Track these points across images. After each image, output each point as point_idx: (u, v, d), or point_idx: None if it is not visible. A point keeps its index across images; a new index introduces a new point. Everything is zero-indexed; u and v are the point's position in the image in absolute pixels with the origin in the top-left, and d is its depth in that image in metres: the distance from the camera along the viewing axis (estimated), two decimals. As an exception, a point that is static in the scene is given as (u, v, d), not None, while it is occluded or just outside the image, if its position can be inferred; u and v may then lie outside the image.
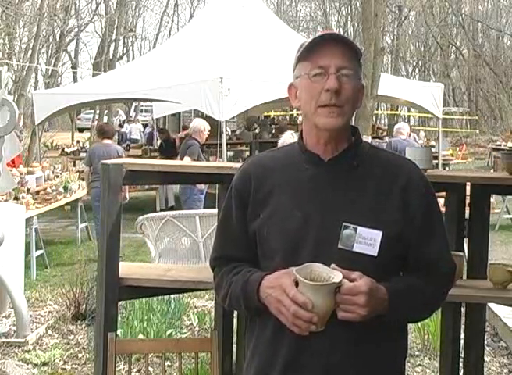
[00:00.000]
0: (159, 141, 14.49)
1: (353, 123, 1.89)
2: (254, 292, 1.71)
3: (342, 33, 40.26)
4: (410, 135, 14.90)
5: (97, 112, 28.07)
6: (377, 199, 1.74)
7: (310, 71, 1.74)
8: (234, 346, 3.25)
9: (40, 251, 7.52)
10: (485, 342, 4.05)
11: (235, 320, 3.27)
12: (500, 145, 18.56)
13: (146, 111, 31.04)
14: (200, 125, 8.50)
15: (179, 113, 21.21)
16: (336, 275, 1.62)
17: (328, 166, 1.77)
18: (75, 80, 32.26)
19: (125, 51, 39.11)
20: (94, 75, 24.77)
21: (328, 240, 1.71)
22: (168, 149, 13.27)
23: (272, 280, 1.68)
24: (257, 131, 15.72)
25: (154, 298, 5.17)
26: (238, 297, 1.76)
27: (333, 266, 1.65)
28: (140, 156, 12.93)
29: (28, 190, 7.80)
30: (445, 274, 1.84)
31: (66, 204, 8.76)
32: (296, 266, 1.68)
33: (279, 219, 1.75)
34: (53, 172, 9.21)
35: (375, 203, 1.74)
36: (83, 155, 15.15)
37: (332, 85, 1.70)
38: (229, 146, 11.74)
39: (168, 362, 4.29)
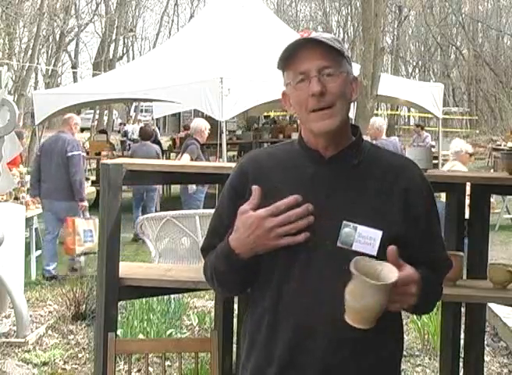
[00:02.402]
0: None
1: (352, 123, 1.89)
2: (230, 250, 1.71)
3: (342, 33, 40.42)
4: (420, 136, 14.93)
5: (97, 112, 28.08)
6: (378, 198, 1.74)
7: (293, 79, 1.73)
8: (234, 346, 3.25)
9: (40, 251, 7.51)
10: (485, 342, 4.05)
11: (235, 320, 3.26)
12: (500, 145, 18.55)
13: (146, 111, 31.05)
14: (201, 125, 8.50)
15: (179, 113, 21.19)
16: (386, 267, 1.60)
17: (328, 164, 1.77)
18: (75, 80, 32.25)
19: (125, 51, 39.12)
20: (94, 75, 24.78)
21: (327, 238, 1.70)
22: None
23: (236, 228, 1.70)
24: (257, 131, 15.75)
25: (154, 298, 5.17)
26: (222, 270, 1.76)
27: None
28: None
29: (28, 190, 7.79)
30: (444, 273, 1.89)
31: (66, 204, 8.74)
32: (294, 264, 1.70)
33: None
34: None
35: (376, 202, 1.74)
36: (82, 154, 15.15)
37: (315, 89, 1.69)
38: (228, 146, 11.74)
39: (168, 362, 4.29)
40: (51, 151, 7.22)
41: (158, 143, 14.15)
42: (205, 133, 8.43)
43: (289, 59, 1.73)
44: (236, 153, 16.19)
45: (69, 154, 7.09)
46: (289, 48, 1.72)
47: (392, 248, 1.62)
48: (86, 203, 7.22)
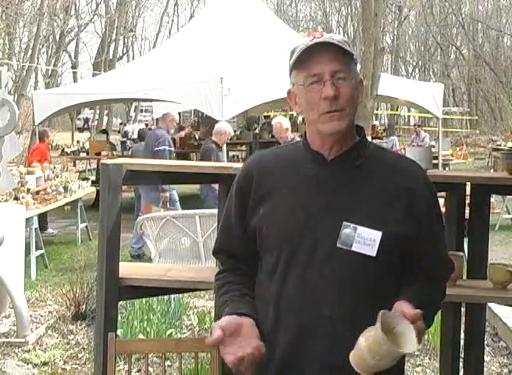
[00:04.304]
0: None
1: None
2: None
3: (342, 33, 40.41)
4: (419, 135, 14.92)
5: (97, 111, 28.10)
6: (379, 199, 1.74)
7: (305, 81, 1.73)
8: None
9: (40, 251, 7.52)
10: (485, 342, 4.05)
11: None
12: (500, 145, 18.54)
13: (146, 111, 31.08)
14: (222, 128, 8.51)
15: (179, 113, 21.14)
16: (403, 323, 1.59)
17: (331, 165, 1.77)
18: (75, 80, 32.22)
19: (125, 51, 39.12)
20: (94, 75, 24.78)
21: (327, 238, 1.71)
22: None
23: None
24: (257, 131, 15.73)
25: (154, 298, 5.17)
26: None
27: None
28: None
29: (28, 190, 7.80)
30: (447, 274, 1.91)
31: (66, 204, 8.76)
32: (294, 264, 1.71)
33: (279, 216, 1.76)
34: (53, 172, 9.20)
35: (377, 203, 1.74)
36: (83, 154, 15.19)
37: (329, 93, 1.70)
38: (228, 146, 11.73)
39: (168, 362, 4.29)
40: (146, 145, 8.40)
41: None
42: (224, 137, 8.42)
43: (302, 60, 1.73)
44: (235, 153, 16.20)
45: (155, 148, 7.97)
46: (303, 49, 1.72)
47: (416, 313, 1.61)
48: (167, 194, 7.89)
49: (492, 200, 4.95)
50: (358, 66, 1.88)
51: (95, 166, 14.50)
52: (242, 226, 1.83)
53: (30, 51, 20.81)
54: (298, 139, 9.04)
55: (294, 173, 1.79)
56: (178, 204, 8.61)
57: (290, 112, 20.32)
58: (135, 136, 22.52)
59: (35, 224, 7.41)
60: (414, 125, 16.66)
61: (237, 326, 1.68)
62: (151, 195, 7.95)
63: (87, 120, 28.64)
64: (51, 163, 10.53)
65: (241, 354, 1.63)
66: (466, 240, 3.13)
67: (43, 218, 8.93)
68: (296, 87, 1.78)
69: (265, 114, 19.69)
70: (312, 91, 1.72)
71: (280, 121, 8.31)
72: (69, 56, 35.31)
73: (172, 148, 8.48)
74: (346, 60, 1.74)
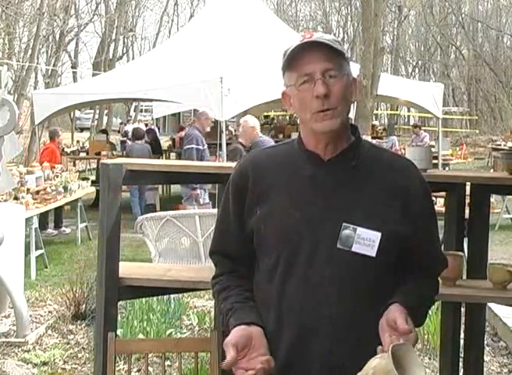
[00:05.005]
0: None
1: (352, 122, 1.89)
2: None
3: (342, 33, 40.43)
4: (418, 136, 14.98)
5: (97, 111, 28.11)
6: (377, 199, 1.75)
7: (296, 81, 1.73)
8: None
9: (40, 251, 7.52)
10: (485, 342, 4.06)
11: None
12: (500, 145, 18.53)
13: (146, 111, 31.08)
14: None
15: (179, 113, 21.19)
16: (407, 352, 1.56)
17: (327, 165, 1.77)
18: (75, 80, 32.21)
19: (125, 51, 39.08)
20: (94, 75, 24.78)
21: (326, 239, 1.71)
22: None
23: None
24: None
25: (154, 298, 5.17)
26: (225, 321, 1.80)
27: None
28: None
29: (28, 190, 7.80)
30: (442, 270, 1.93)
31: (66, 204, 8.76)
32: (295, 265, 1.71)
33: (276, 217, 1.76)
34: (53, 172, 9.21)
35: (375, 203, 1.74)
36: (83, 154, 15.21)
37: (320, 91, 1.70)
38: (228, 146, 11.72)
39: (168, 362, 4.29)
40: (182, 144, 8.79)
41: (157, 141, 14.24)
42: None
43: (292, 61, 1.73)
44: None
45: (185, 147, 8.30)
46: (293, 50, 1.72)
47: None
48: (198, 191, 8.05)
49: (492, 200, 4.96)
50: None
51: (95, 166, 14.49)
52: (239, 225, 1.82)
53: (30, 51, 20.78)
54: (266, 138, 9.00)
55: (290, 173, 1.79)
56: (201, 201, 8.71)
57: (290, 112, 20.30)
58: (134, 136, 22.54)
59: (35, 224, 7.42)
60: (413, 126, 16.67)
61: (247, 337, 1.69)
62: (187, 193, 8.19)
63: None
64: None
65: (252, 372, 1.64)
66: (466, 240, 3.13)
67: (44, 218, 8.93)
68: (289, 88, 1.78)
69: (265, 114, 19.70)
70: (304, 90, 1.72)
71: (247, 120, 8.29)
72: (69, 56, 35.27)
73: (201, 147, 8.41)
74: (338, 59, 1.74)
